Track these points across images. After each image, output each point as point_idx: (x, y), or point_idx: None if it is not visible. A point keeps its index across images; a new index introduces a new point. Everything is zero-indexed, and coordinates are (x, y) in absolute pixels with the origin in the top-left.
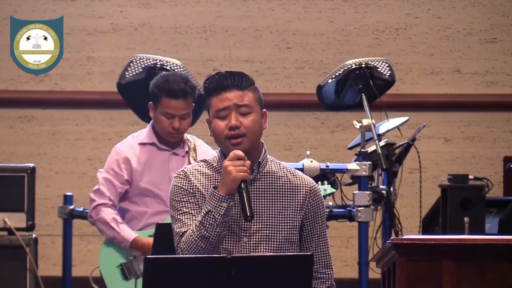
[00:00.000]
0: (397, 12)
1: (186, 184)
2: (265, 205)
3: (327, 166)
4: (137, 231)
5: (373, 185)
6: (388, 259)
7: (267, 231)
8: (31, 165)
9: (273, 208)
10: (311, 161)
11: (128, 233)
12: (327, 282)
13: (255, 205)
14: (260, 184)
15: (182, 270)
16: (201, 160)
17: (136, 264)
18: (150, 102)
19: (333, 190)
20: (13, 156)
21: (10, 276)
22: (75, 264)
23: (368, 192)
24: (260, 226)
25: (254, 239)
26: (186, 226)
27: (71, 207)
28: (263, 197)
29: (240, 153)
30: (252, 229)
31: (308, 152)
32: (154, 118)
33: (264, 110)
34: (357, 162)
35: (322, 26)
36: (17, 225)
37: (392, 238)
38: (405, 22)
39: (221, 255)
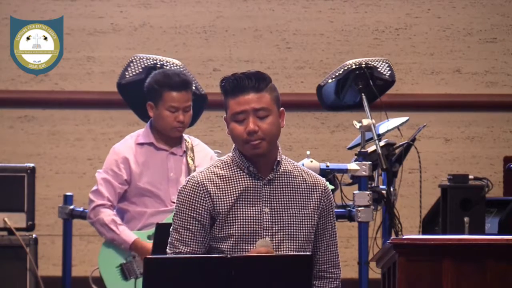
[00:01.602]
0: (397, 12)
1: (197, 196)
2: (286, 204)
3: (327, 166)
4: (136, 231)
5: (373, 185)
6: (388, 259)
7: (289, 230)
8: (31, 165)
9: (294, 206)
10: (311, 161)
11: (127, 234)
12: (335, 282)
13: (276, 204)
14: (279, 183)
15: (182, 270)
16: (215, 162)
17: (135, 265)
18: (149, 102)
19: (331, 187)
20: (13, 156)
21: (10, 276)
22: (75, 264)
23: (368, 192)
24: (282, 225)
25: (277, 238)
26: (185, 245)
27: (71, 207)
28: (283, 196)
29: (268, 250)
30: (274, 228)
31: (308, 152)
32: (156, 116)
33: (282, 108)
34: (357, 162)
35: (322, 26)
36: (17, 225)
37: (392, 238)
38: (405, 22)
39: (221, 255)
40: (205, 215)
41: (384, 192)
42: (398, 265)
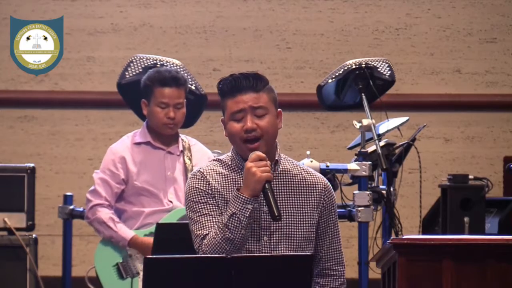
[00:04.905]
0: (397, 12)
1: (204, 185)
2: (284, 204)
3: (327, 166)
4: (134, 231)
5: (373, 185)
6: (388, 259)
7: (287, 229)
8: (31, 165)
9: (292, 206)
10: (311, 161)
11: (125, 231)
12: (339, 279)
13: None
14: (278, 183)
15: (182, 270)
16: (214, 160)
17: (132, 263)
18: (143, 100)
19: None
20: (13, 156)
21: (10, 276)
22: (75, 264)
23: (368, 192)
24: (280, 224)
25: (275, 238)
26: (207, 228)
27: (71, 207)
28: (281, 196)
29: (261, 154)
30: (272, 228)
31: (308, 152)
32: (149, 113)
33: (279, 109)
34: (357, 162)
35: (322, 26)
36: (17, 225)
37: (392, 238)
38: (405, 22)
39: (221, 255)
40: (215, 197)
41: (384, 192)
42: (398, 265)
